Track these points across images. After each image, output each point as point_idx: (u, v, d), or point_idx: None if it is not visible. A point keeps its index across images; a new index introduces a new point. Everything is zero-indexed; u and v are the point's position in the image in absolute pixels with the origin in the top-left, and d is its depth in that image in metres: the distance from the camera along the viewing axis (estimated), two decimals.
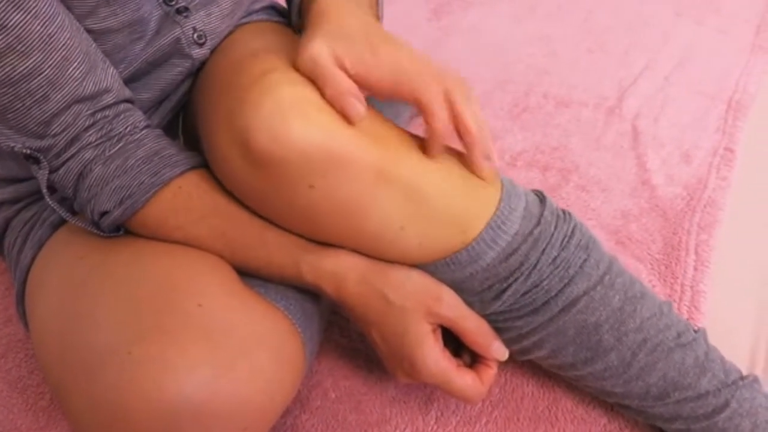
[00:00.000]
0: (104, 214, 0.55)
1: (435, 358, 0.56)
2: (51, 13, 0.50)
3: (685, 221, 0.82)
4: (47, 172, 0.54)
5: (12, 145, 0.53)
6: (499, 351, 0.58)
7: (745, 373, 0.58)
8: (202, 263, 0.56)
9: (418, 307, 0.55)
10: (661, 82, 1.04)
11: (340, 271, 0.55)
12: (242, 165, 0.50)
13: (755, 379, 0.57)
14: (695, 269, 0.77)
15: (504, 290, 0.54)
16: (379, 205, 0.51)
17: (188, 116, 0.68)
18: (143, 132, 0.56)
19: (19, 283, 0.63)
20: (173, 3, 0.60)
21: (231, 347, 0.50)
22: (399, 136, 0.53)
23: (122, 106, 0.56)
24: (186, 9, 0.61)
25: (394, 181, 0.50)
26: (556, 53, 1.11)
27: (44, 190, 0.55)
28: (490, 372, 0.59)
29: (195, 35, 0.62)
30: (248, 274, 0.58)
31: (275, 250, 0.56)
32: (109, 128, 0.54)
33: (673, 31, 1.13)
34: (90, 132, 0.54)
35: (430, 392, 0.66)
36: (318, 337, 0.63)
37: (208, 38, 0.63)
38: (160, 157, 0.55)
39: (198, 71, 0.66)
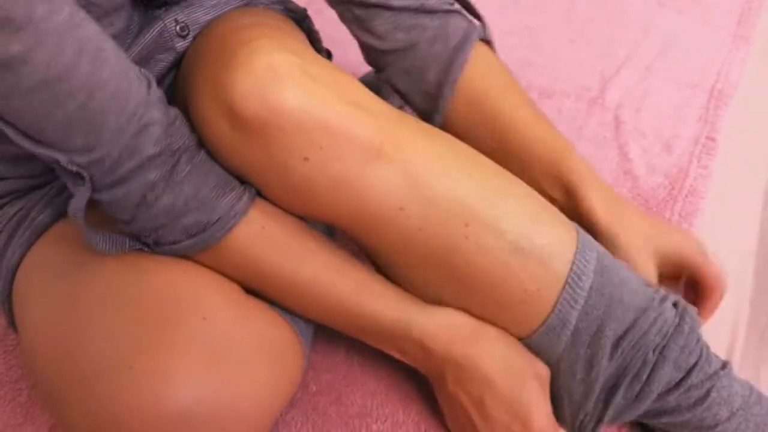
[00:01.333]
0: (172, 243, 0.52)
1: (548, 412, 0.56)
2: (72, 7, 0.44)
3: (666, 210, 0.82)
4: (89, 192, 0.48)
5: (58, 159, 0.46)
6: None
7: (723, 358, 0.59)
8: (204, 273, 0.54)
9: (531, 367, 0.55)
10: (642, 73, 1.03)
11: (453, 327, 0.55)
12: (230, 133, 0.48)
13: (731, 367, 0.58)
14: None
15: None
16: (375, 183, 0.49)
17: (174, 104, 0.67)
18: (200, 147, 0.52)
19: (6, 281, 0.61)
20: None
21: (234, 361, 0.49)
22: (394, 114, 0.52)
23: (172, 112, 0.51)
24: (165, 3, 0.60)
25: (393, 159, 0.49)
26: (539, 44, 1.10)
27: (79, 213, 0.49)
28: None
29: (177, 27, 0.60)
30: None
31: (375, 299, 0.55)
32: (167, 140, 0.49)
33: (654, 21, 1.13)
34: (146, 142, 0.48)
35: (411, 386, 0.65)
36: (312, 337, 0.62)
37: (191, 29, 0.62)
38: (232, 188, 0.52)
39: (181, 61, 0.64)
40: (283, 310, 0.56)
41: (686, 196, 0.83)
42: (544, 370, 0.56)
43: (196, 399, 0.46)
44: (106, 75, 0.46)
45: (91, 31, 0.45)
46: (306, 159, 0.48)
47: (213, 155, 0.52)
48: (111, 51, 0.47)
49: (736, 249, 0.81)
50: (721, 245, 0.81)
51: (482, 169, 0.55)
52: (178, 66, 0.64)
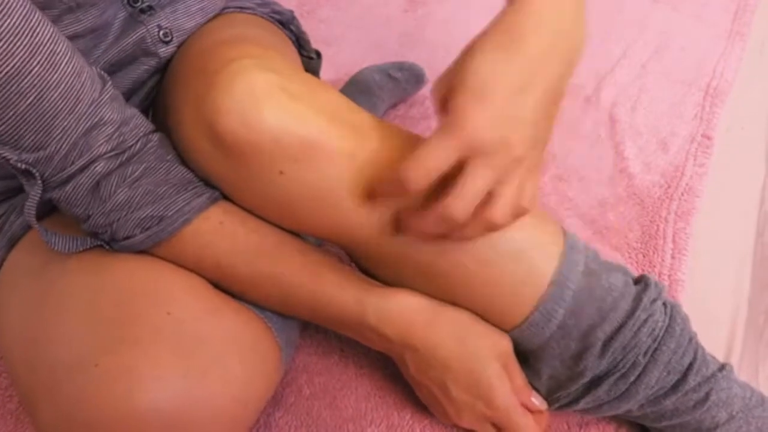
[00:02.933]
0: (126, 238, 0.52)
1: (509, 391, 0.56)
2: (26, 9, 0.46)
3: (662, 209, 0.81)
4: (40, 190, 0.49)
5: (8, 157, 0.48)
6: (538, 400, 0.58)
7: (721, 360, 0.58)
8: (168, 268, 0.54)
9: (492, 346, 0.55)
10: (638, 70, 1.03)
11: (407, 313, 0.54)
12: (210, 150, 0.49)
13: (730, 369, 0.57)
14: (673, 257, 0.76)
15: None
16: (352, 194, 0.50)
17: (157, 111, 0.66)
18: (162, 147, 0.53)
19: None
20: (138, 3, 0.58)
21: (203, 355, 0.48)
22: (374, 125, 0.52)
23: (128, 111, 0.52)
24: (150, 8, 0.59)
25: (366, 169, 0.49)
26: None
27: (31, 211, 0.50)
28: (543, 416, 0.58)
29: (161, 33, 0.60)
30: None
31: (333, 290, 0.54)
32: (119, 139, 0.50)
33: (649, 18, 1.12)
34: (97, 140, 0.49)
35: (404, 388, 0.65)
36: (296, 338, 0.62)
37: (175, 36, 0.61)
38: (194, 186, 0.53)
39: (166, 67, 0.64)
40: (254, 305, 0.56)
41: (682, 194, 0.83)
42: (506, 345, 0.56)
43: (164, 396, 0.45)
44: (57, 76, 0.47)
45: (45, 33, 0.46)
46: (281, 173, 0.49)
47: (192, 167, 0.53)
48: (64, 53, 0.48)
49: (733, 247, 0.80)
50: (718, 244, 0.80)
51: None
52: (162, 71, 0.64)
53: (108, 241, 0.53)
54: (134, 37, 0.59)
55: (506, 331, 0.56)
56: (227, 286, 0.55)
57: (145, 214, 0.51)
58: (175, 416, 0.45)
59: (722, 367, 0.56)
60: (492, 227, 0.48)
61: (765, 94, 1.01)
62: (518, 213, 0.48)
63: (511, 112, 0.45)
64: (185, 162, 0.53)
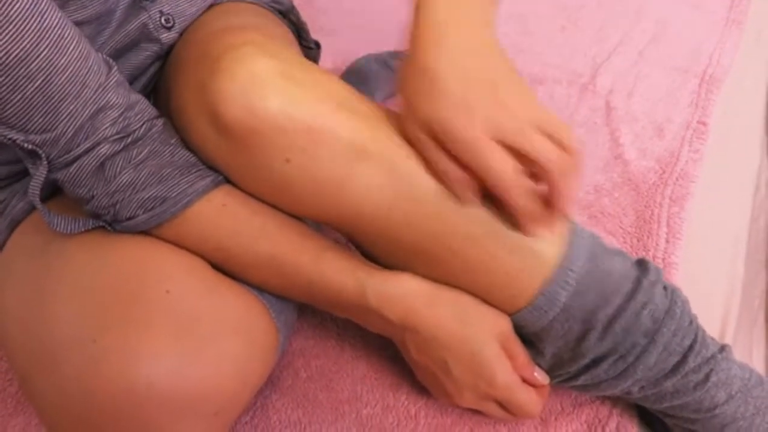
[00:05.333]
0: (129, 218, 0.52)
1: (510, 369, 0.56)
2: None
3: (657, 194, 0.82)
4: (46, 170, 0.50)
5: (14, 138, 0.49)
6: (541, 375, 0.58)
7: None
8: (168, 248, 0.54)
9: (492, 326, 0.56)
10: (635, 58, 1.03)
11: (408, 295, 0.55)
12: (214, 136, 0.50)
13: (729, 350, 0.58)
14: (667, 242, 0.76)
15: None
16: (358, 182, 0.50)
17: (159, 98, 0.67)
18: (166, 132, 0.53)
19: None
20: None
21: (199, 333, 0.49)
22: (381, 113, 0.52)
23: (133, 97, 0.53)
24: None
25: (374, 158, 0.50)
26: (530, 31, 1.10)
27: (35, 191, 0.51)
28: (545, 388, 0.59)
29: (162, 19, 0.61)
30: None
31: (333, 272, 0.55)
32: (124, 122, 0.51)
33: (646, 6, 1.13)
34: (103, 123, 0.50)
35: (400, 370, 0.65)
36: (293, 321, 0.62)
37: (177, 21, 0.62)
38: (198, 169, 0.53)
39: (167, 53, 0.64)
40: (253, 287, 0.57)
41: (677, 180, 0.83)
42: (505, 325, 0.56)
43: (161, 373, 0.46)
44: (64, 60, 0.48)
45: (53, 18, 0.47)
46: (288, 161, 0.49)
47: (196, 153, 0.53)
48: (71, 38, 0.48)
49: (728, 233, 0.80)
50: (713, 229, 0.81)
51: None
52: (164, 57, 0.64)
53: (110, 222, 0.53)
54: (136, 23, 0.59)
55: (510, 314, 0.56)
56: (228, 268, 0.56)
57: (148, 195, 0.51)
58: (170, 393, 0.46)
59: (722, 349, 0.57)
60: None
61: (761, 81, 1.02)
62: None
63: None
64: (188, 147, 0.54)
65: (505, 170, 0.48)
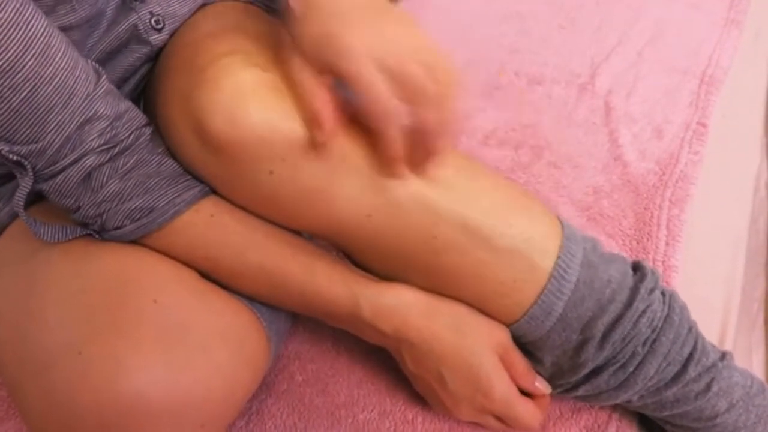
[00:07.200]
0: (116, 228, 0.52)
1: (508, 382, 0.56)
2: (20, 2, 0.45)
3: (656, 196, 0.81)
4: (31, 181, 0.50)
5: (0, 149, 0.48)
6: (542, 384, 0.58)
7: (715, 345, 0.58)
8: (155, 258, 0.53)
9: (488, 337, 0.55)
10: (633, 58, 1.02)
11: (403, 307, 0.54)
12: (199, 148, 0.49)
13: (731, 357, 0.57)
14: (667, 244, 0.76)
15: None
16: (342, 192, 0.50)
17: (148, 100, 0.66)
18: (154, 141, 0.53)
19: None
20: None
21: (188, 344, 0.48)
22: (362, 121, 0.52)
23: (122, 105, 0.52)
24: None
25: (357, 167, 0.49)
26: (528, 31, 1.09)
27: (20, 203, 0.50)
28: (545, 399, 0.58)
29: (152, 20, 0.60)
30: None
31: (326, 283, 0.54)
32: (112, 132, 0.50)
33: (645, 6, 1.12)
34: (90, 134, 0.49)
35: (397, 375, 0.65)
36: (286, 329, 0.62)
37: (167, 23, 0.61)
38: (186, 179, 0.52)
39: (158, 55, 0.63)
40: (244, 296, 0.56)
41: (677, 181, 0.83)
42: (503, 335, 0.56)
43: (148, 383, 0.45)
44: (51, 70, 0.47)
45: (39, 27, 0.46)
46: (271, 172, 0.49)
47: (181, 163, 0.53)
48: (58, 47, 0.48)
49: (727, 234, 0.80)
50: (712, 231, 0.80)
51: (449, 167, 0.53)
52: (154, 59, 0.63)
53: (98, 231, 0.52)
54: (126, 24, 0.58)
55: (508, 325, 0.56)
56: (217, 278, 0.55)
57: (135, 205, 0.51)
58: (158, 404, 0.45)
59: (723, 356, 0.56)
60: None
61: (760, 82, 1.01)
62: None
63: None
64: (175, 157, 0.53)
65: (381, 91, 0.46)
